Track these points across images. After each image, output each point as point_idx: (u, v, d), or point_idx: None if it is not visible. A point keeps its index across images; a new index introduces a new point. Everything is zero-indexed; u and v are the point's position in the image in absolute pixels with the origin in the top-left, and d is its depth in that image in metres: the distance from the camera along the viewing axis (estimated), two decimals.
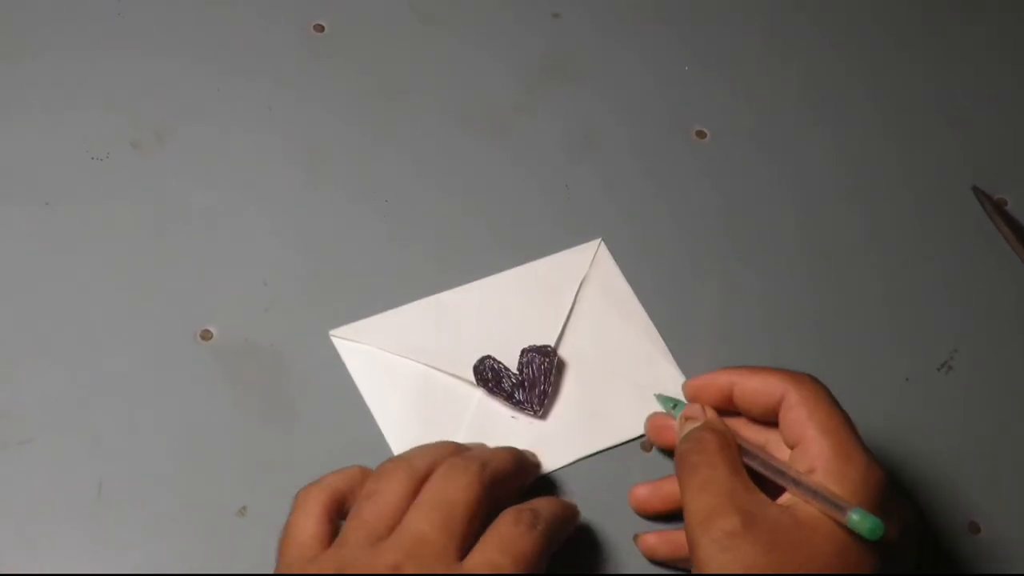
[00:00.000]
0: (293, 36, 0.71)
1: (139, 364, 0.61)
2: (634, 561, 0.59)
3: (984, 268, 0.70)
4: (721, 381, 0.58)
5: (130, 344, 0.61)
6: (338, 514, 0.54)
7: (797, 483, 0.52)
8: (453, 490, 0.53)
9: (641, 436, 0.63)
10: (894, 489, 0.53)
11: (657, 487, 0.60)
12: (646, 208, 0.69)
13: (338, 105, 0.69)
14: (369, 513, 0.53)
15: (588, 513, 0.60)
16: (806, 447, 0.53)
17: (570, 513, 0.57)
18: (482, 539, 0.52)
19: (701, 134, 0.72)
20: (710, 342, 0.65)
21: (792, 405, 0.54)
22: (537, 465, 0.61)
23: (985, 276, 0.70)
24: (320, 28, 0.72)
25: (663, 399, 0.62)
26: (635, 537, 0.59)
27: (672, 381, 0.64)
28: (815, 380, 0.56)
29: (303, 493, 0.54)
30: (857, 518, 0.50)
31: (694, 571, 0.52)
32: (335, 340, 0.63)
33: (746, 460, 0.55)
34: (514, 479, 0.57)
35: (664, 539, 0.59)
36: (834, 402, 0.55)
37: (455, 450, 0.56)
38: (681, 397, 0.61)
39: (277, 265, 0.64)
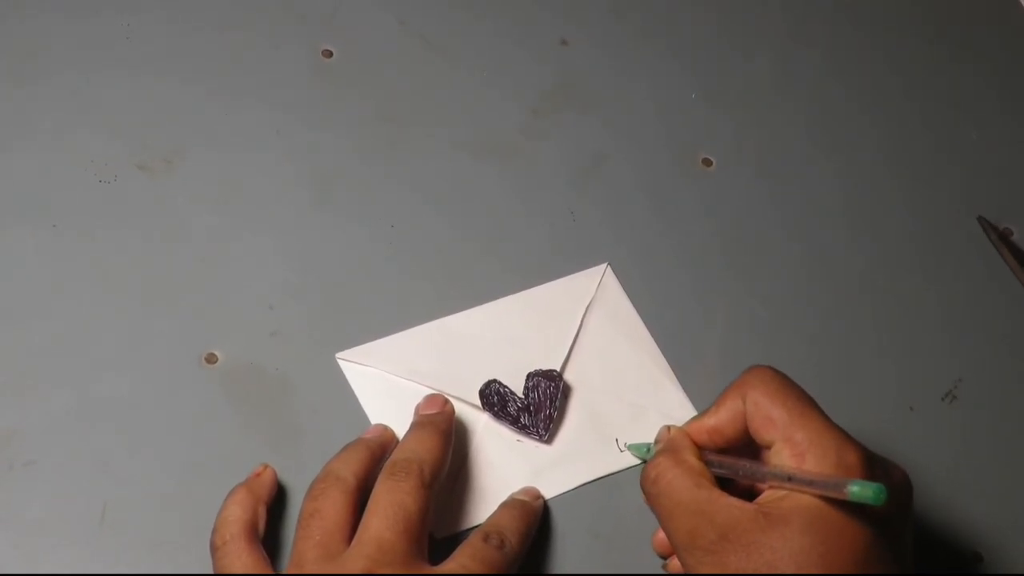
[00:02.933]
0: (301, 61, 0.71)
1: (144, 387, 0.61)
2: None
3: (989, 298, 0.70)
4: (698, 436, 0.57)
5: (135, 367, 0.61)
6: (259, 537, 0.55)
7: (790, 478, 0.52)
8: (402, 496, 0.54)
9: (646, 462, 0.62)
10: (874, 455, 0.53)
11: None
12: (652, 234, 0.69)
13: (346, 130, 0.69)
14: (318, 531, 0.53)
15: (592, 540, 0.60)
16: (779, 447, 0.53)
17: (532, 522, 0.58)
18: (455, 553, 0.54)
19: (707, 162, 0.72)
20: (714, 367, 0.66)
21: (751, 414, 0.55)
22: (539, 498, 0.61)
23: (990, 306, 0.70)
24: (328, 54, 0.72)
25: (634, 448, 0.62)
26: (664, 567, 0.60)
27: (678, 406, 0.64)
28: (760, 373, 0.56)
29: (223, 539, 0.54)
30: (857, 489, 0.49)
31: None
32: (342, 363, 0.62)
33: (723, 473, 0.55)
34: (447, 462, 0.58)
35: None
36: (787, 389, 0.55)
37: (370, 452, 0.57)
38: (688, 418, 0.61)
39: (283, 289, 0.64)
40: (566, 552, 0.60)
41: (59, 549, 0.56)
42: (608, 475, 0.62)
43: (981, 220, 0.72)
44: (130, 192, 0.66)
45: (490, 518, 0.58)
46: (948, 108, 0.77)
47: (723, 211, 0.71)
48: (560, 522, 0.61)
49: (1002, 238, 0.72)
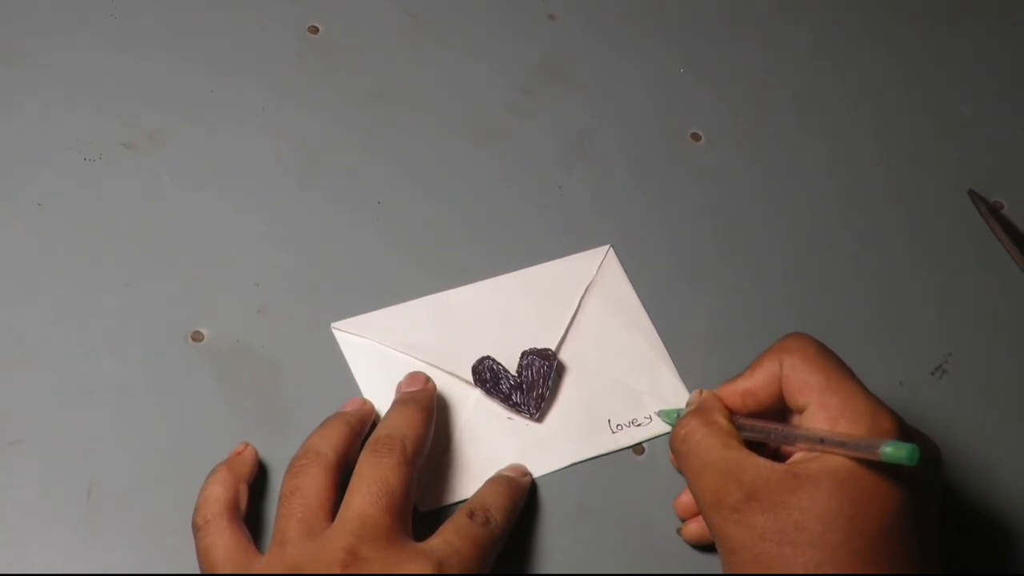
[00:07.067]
0: (287, 37, 0.71)
1: (129, 366, 0.60)
2: (628, 564, 0.60)
3: (979, 271, 0.70)
4: (730, 399, 0.58)
5: (120, 345, 0.61)
6: (241, 515, 0.55)
7: (822, 440, 0.52)
8: (385, 472, 0.54)
9: (636, 444, 0.63)
10: (907, 424, 0.54)
11: None
12: (640, 211, 0.69)
13: (332, 106, 0.69)
14: (300, 508, 0.53)
15: (580, 515, 0.60)
16: (813, 411, 0.54)
17: (518, 499, 0.58)
18: (440, 529, 0.54)
19: (696, 137, 0.72)
20: (706, 346, 0.65)
21: (787, 377, 0.55)
22: (527, 475, 0.61)
23: (980, 279, 0.70)
24: (315, 30, 0.71)
25: (664, 414, 0.62)
26: (678, 531, 0.60)
27: (672, 390, 0.64)
28: (798, 339, 0.56)
29: (204, 518, 0.54)
30: (891, 450, 0.49)
31: (718, 549, 0.54)
32: (336, 333, 0.62)
33: (754, 437, 0.55)
34: (430, 438, 0.58)
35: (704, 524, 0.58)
36: (825, 356, 0.55)
37: (349, 426, 0.57)
38: (680, 406, 0.62)
39: (270, 266, 0.64)
40: (553, 529, 0.60)
41: (44, 528, 0.56)
42: (598, 456, 0.62)
43: (972, 194, 0.72)
44: (115, 170, 0.65)
45: (476, 494, 0.58)
46: (938, 82, 0.76)
47: (712, 187, 0.70)
48: (548, 500, 0.61)
49: (992, 211, 0.71)
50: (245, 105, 0.68)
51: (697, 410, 0.57)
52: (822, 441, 0.52)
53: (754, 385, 0.57)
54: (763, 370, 0.56)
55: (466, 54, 0.72)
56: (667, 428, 0.62)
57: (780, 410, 0.57)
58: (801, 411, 0.55)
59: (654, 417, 0.63)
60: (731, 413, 0.57)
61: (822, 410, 0.53)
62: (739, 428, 0.56)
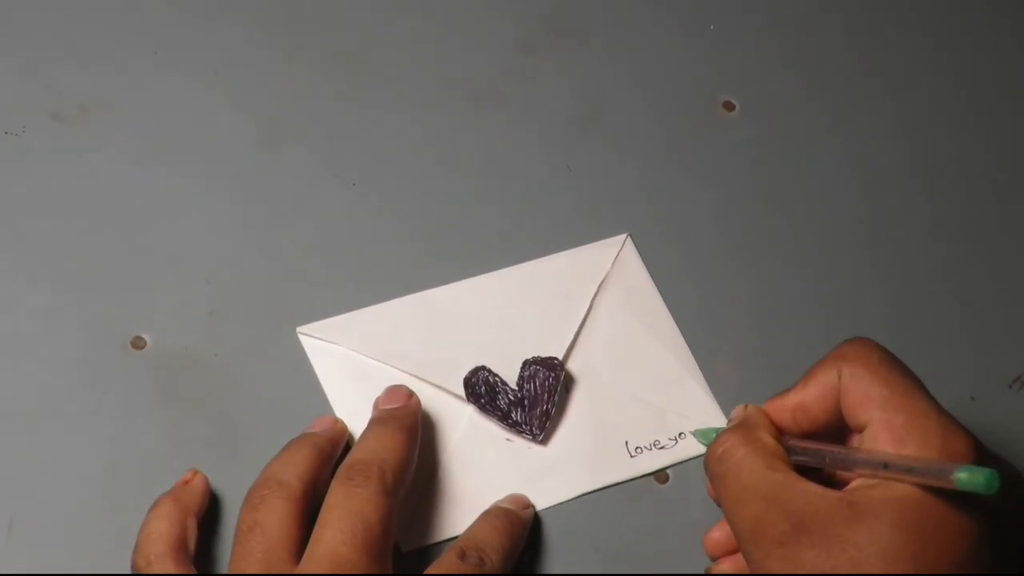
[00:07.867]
0: None
1: (58, 378, 0.58)
2: None
3: None
4: (779, 415, 0.55)
5: (47, 354, 0.58)
6: (189, 555, 0.53)
7: (886, 465, 0.50)
8: (360, 503, 0.52)
9: (659, 470, 0.60)
10: (984, 447, 0.52)
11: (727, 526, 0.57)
12: (664, 194, 0.66)
13: (298, 68, 0.66)
14: (259, 547, 0.51)
15: (591, 557, 0.57)
16: (875, 430, 0.52)
17: (518, 535, 0.56)
18: (425, 572, 0.53)
19: (729, 106, 0.69)
20: (740, 354, 0.63)
21: (846, 389, 0.53)
22: (528, 507, 0.58)
23: None
24: None
25: (701, 433, 0.59)
26: (708, 571, 0.58)
27: (701, 407, 0.61)
28: (860, 345, 0.54)
29: (146, 559, 0.52)
30: (966, 475, 0.47)
31: None
32: (303, 338, 0.60)
33: (805, 461, 0.53)
34: (413, 464, 0.56)
35: (739, 563, 0.56)
36: (890, 366, 0.53)
37: (318, 450, 0.55)
38: (713, 424, 0.60)
39: (223, 260, 0.61)
40: (560, 571, 0.57)
41: None
42: (613, 484, 0.59)
43: None
44: (41, 146, 0.63)
45: (468, 530, 0.55)
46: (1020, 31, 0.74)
47: (747, 165, 0.67)
48: (553, 537, 0.58)
49: None
50: (194, 67, 0.65)
51: (739, 426, 0.54)
52: (886, 466, 0.49)
53: (807, 399, 0.54)
54: (818, 381, 0.54)
55: (457, 5, 0.69)
56: (697, 451, 0.59)
57: (836, 429, 0.54)
58: (861, 429, 0.52)
59: (679, 438, 0.60)
60: (779, 432, 0.55)
61: (886, 429, 0.51)
62: (788, 451, 0.54)
